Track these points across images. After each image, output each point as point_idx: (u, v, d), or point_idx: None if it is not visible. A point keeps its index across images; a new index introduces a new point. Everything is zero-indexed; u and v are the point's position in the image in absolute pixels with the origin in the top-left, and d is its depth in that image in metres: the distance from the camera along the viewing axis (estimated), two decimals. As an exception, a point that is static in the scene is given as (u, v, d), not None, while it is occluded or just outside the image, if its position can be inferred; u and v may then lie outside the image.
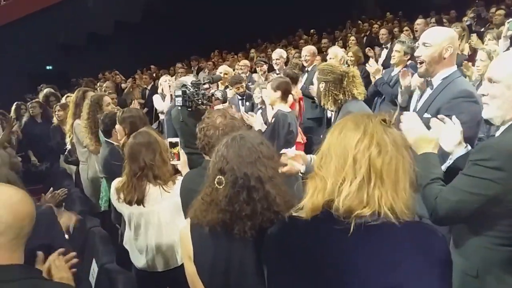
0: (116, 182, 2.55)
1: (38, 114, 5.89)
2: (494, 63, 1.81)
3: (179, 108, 3.73)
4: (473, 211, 1.58)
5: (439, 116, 1.91)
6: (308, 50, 5.62)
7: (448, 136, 1.81)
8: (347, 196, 1.13)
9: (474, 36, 5.50)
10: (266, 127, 3.91)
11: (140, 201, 2.44)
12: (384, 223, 1.11)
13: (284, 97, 3.79)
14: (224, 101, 4.09)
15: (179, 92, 3.64)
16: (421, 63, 2.36)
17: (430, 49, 2.31)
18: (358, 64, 5.46)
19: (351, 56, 5.60)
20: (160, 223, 2.50)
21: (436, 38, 2.32)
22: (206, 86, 3.75)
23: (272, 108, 3.88)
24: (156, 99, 5.82)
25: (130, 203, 2.45)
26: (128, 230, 2.62)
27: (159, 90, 5.83)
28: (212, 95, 3.80)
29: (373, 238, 1.12)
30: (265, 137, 3.52)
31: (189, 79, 4.29)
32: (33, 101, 6.26)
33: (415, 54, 2.48)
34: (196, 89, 3.63)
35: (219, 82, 5.30)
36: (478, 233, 1.63)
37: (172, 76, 6.76)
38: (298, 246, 1.21)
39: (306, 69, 5.44)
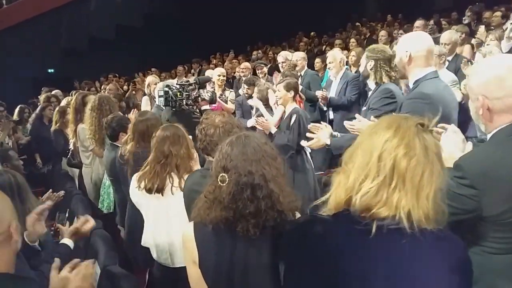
0: (139, 173, 2.58)
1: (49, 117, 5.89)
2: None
3: (164, 108, 3.78)
4: (455, 221, 1.62)
5: (439, 125, 1.93)
6: (299, 55, 5.72)
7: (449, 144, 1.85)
8: (365, 194, 1.11)
9: (482, 28, 5.62)
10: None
11: (160, 190, 2.47)
12: (405, 228, 1.09)
13: (295, 97, 3.89)
14: (211, 102, 4.14)
15: (162, 93, 3.72)
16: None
17: (396, 57, 2.56)
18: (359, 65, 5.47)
19: (353, 56, 5.59)
20: (181, 215, 2.42)
21: (398, 46, 2.53)
22: (192, 87, 3.80)
23: (276, 107, 3.93)
24: (145, 101, 5.61)
25: (150, 191, 2.48)
26: (148, 227, 2.62)
27: (147, 91, 5.57)
28: (199, 96, 3.85)
29: (394, 243, 1.10)
30: (292, 134, 3.63)
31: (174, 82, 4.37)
32: (49, 103, 6.25)
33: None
34: (181, 90, 3.68)
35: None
36: (470, 241, 1.66)
37: (173, 79, 6.76)
38: (319, 244, 1.19)
39: (298, 73, 5.42)
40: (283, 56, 5.77)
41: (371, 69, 3.04)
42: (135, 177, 2.60)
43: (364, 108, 3.24)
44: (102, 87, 7.84)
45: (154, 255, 2.63)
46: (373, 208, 1.10)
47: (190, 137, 2.63)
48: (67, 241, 2.21)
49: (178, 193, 2.44)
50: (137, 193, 2.58)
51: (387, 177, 1.10)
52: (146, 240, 2.66)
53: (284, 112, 3.98)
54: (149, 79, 5.60)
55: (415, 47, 2.43)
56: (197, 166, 2.59)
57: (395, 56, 2.58)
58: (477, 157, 1.63)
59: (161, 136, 2.48)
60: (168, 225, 2.53)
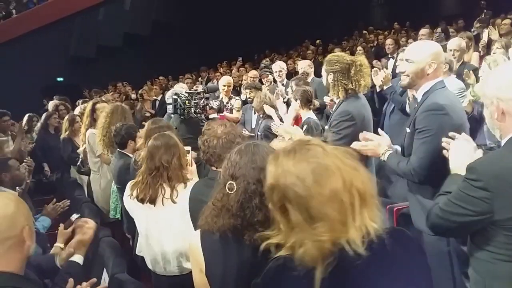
0: (132, 181, 2.59)
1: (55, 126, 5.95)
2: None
3: (173, 116, 3.82)
4: (461, 224, 1.63)
5: (450, 134, 1.96)
6: (305, 63, 5.76)
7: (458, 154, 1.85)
8: (354, 236, 1.12)
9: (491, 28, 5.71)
10: None
11: (153, 201, 2.46)
12: (377, 238, 1.14)
13: (304, 105, 3.90)
14: (219, 111, 4.18)
15: (170, 100, 3.76)
16: (407, 75, 2.37)
17: (413, 65, 2.33)
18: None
19: None
20: (173, 226, 2.49)
21: (419, 54, 2.32)
22: (200, 96, 3.85)
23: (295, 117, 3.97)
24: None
25: (142, 201, 2.47)
26: (141, 236, 2.63)
27: None
28: (207, 104, 3.89)
29: (377, 257, 1.14)
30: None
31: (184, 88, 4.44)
32: (54, 112, 6.32)
33: (398, 69, 2.49)
34: (189, 98, 3.72)
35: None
36: (481, 248, 1.65)
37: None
38: None
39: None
40: (278, 65, 5.84)
41: (331, 83, 2.97)
42: (128, 185, 2.60)
43: (326, 127, 3.19)
44: (104, 97, 7.90)
45: (148, 264, 2.64)
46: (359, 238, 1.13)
47: (190, 148, 2.64)
48: (76, 257, 2.03)
49: (169, 204, 2.44)
50: (129, 201, 2.58)
51: (359, 211, 1.14)
52: (140, 249, 2.68)
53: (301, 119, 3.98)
54: (177, 87, 5.69)
55: (439, 58, 2.32)
56: (192, 175, 2.59)
57: (411, 64, 2.33)
58: (491, 160, 1.62)
59: (152, 146, 2.47)
60: (159, 236, 2.53)
